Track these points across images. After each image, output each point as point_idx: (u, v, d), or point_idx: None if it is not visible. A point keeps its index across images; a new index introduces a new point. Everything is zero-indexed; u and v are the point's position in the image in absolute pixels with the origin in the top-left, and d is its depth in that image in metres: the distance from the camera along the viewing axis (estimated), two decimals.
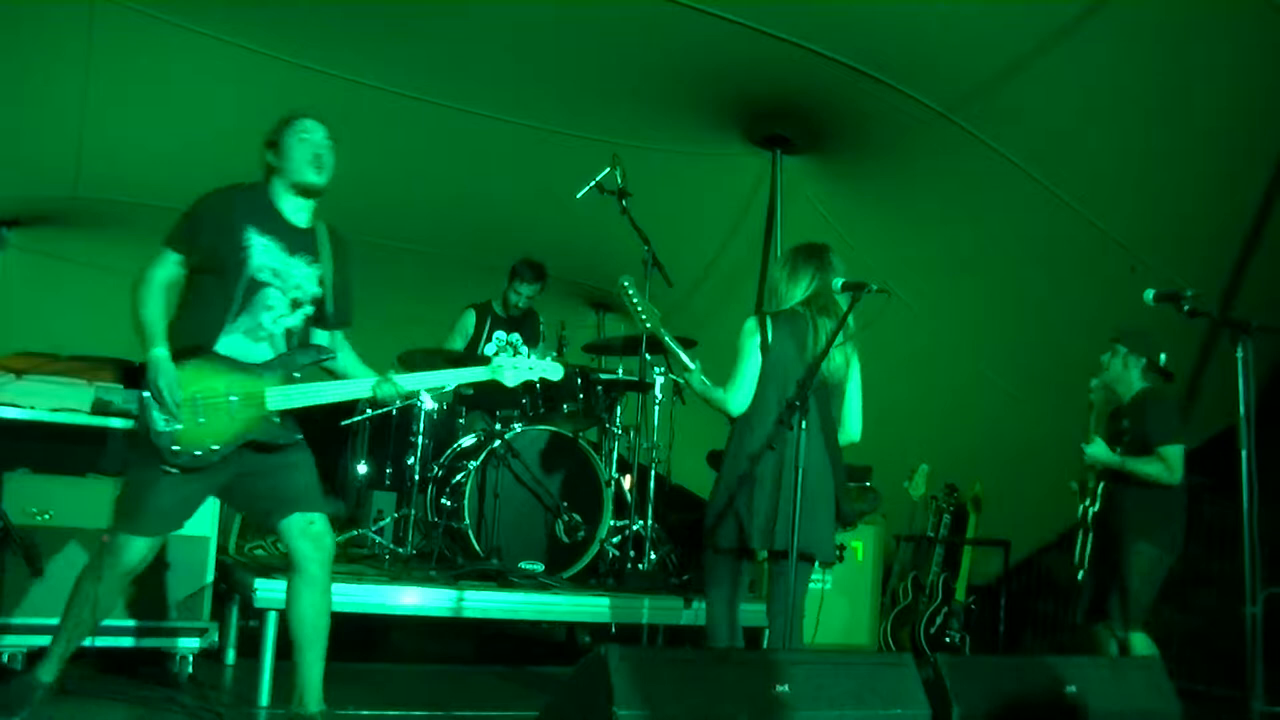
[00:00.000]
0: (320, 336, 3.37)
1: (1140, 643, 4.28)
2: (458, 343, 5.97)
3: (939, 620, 6.41)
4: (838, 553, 5.76)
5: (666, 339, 3.87)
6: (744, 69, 5.21)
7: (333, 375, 3.35)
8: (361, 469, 5.94)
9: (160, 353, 3.01)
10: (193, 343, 3.08)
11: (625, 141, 5.65)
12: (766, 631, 4.06)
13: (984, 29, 4.67)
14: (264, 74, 5.23)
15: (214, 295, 3.11)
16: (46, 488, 3.94)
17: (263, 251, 3.13)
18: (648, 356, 5.32)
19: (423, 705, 4.17)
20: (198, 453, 3.02)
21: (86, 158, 5.81)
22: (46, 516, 3.88)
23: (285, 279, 3.17)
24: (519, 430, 5.08)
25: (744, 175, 6.30)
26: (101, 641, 3.74)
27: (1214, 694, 4.68)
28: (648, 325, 3.85)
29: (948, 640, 6.35)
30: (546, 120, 5.81)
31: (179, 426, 3.00)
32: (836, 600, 5.78)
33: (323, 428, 6.15)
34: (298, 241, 3.21)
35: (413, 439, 5.21)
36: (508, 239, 6.49)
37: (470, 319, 6.02)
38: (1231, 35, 4.45)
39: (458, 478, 5.11)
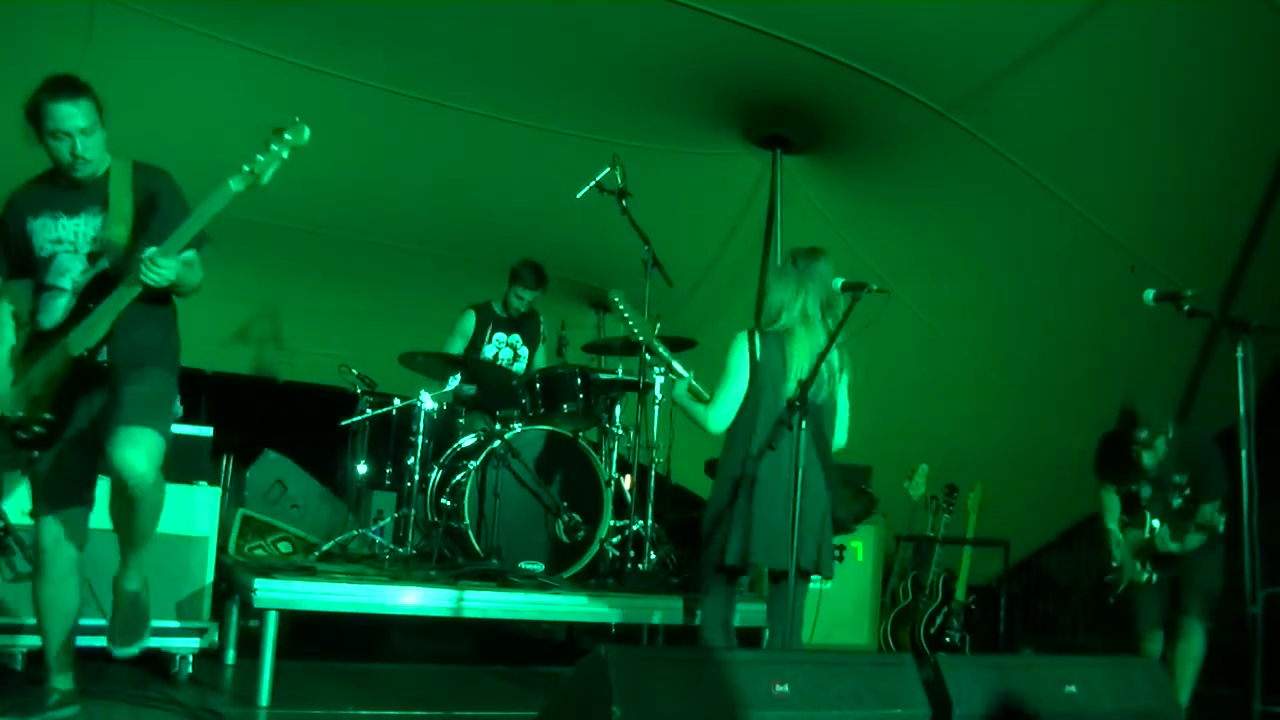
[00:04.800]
0: None
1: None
2: (458, 344, 5.97)
3: (939, 620, 6.40)
4: (837, 553, 5.78)
5: (660, 350, 3.89)
6: (744, 69, 5.21)
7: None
8: (361, 469, 5.94)
9: None
10: (27, 336, 3.24)
11: (625, 141, 5.65)
12: (766, 632, 4.07)
13: (984, 29, 4.67)
14: (264, 74, 5.24)
15: (36, 287, 3.24)
16: None
17: (40, 230, 3.21)
18: (648, 357, 5.32)
19: (423, 705, 4.17)
20: (37, 428, 3.11)
21: None
22: None
23: (72, 239, 3.21)
24: (519, 430, 5.08)
25: (744, 175, 6.30)
26: (101, 641, 3.74)
27: (1214, 694, 4.68)
28: (640, 337, 3.88)
29: (948, 640, 6.35)
30: (546, 120, 5.81)
31: (19, 414, 3.12)
32: (836, 600, 5.78)
33: (323, 428, 6.20)
34: (79, 199, 3.23)
35: (413, 439, 5.20)
36: (508, 239, 6.50)
37: (470, 320, 6.02)
38: (1231, 35, 4.45)
39: (458, 478, 5.11)
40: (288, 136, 3.17)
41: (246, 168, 3.15)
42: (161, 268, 3.05)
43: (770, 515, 3.60)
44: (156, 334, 3.30)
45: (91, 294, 3.16)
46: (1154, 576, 4.37)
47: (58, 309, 3.20)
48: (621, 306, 3.87)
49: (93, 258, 3.22)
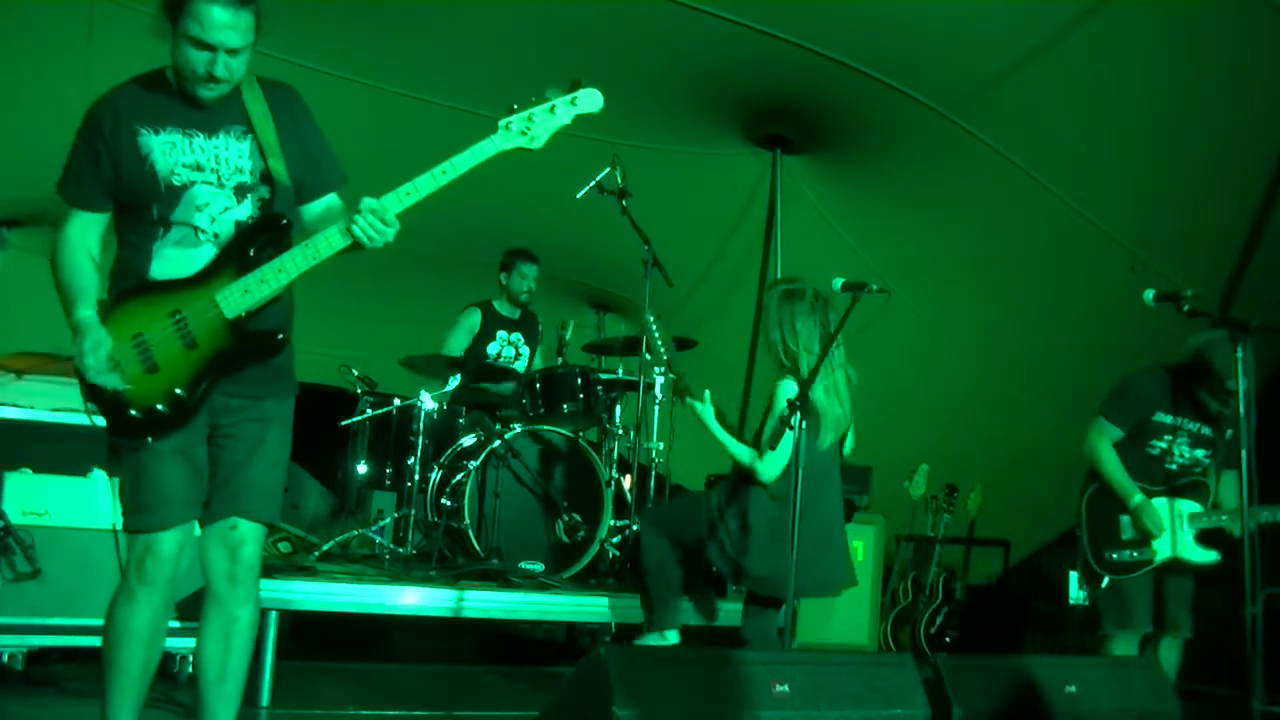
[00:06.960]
0: (311, 212, 2.71)
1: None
2: (463, 337, 5.99)
3: (939, 620, 6.40)
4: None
5: (685, 382, 3.86)
6: (744, 69, 5.21)
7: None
8: (361, 469, 5.94)
9: (80, 314, 2.42)
10: (125, 284, 2.49)
11: (625, 141, 5.65)
12: None
13: (984, 29, 4.67)
14: (262, 73, 5.23)
15: (137, 222, 2.51)
16: (46, 488, 3.95)
17: (168, 150, 2.48)
18: (648, 356, 5.32)
19: (423, 705, 4.17)
20: (160, 407, 2.41)
21: None
22: (46, 516, 3.89)
23: (214, 166, 2.52)
24: (519, 430, 5.08)
25: (744, 175, 6.30)
26: (99, 641, 3.74)
27: (1214, 694, 4.68)
28: (669, 368, 3.91)
29: (948, 640, 6.35)
30: None
31: (127, 386, 2.40)
32: (837, 600, 5.78)
33: (323, 428, 6.20)
34: (215, 117, 2.54)
35: (413, 439, 5.20)
36: (507, 238, 6.49)
37: (475, 316, 6.04)
38: (1231, 35, 4.46)
39: (458, 478, 5.11)
40: (578, 102, 2.66)
41: (517, 126, 2.62)
42: (389, 226, 2.53)
43: (802, 549, 3.43)
44: (288, 328, 2.63)
45: (254, 239, 2.50)
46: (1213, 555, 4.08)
47: (198, 257, 2.47)
48: (655, 329, 3.87)
49: (240, 192, 2.53)
